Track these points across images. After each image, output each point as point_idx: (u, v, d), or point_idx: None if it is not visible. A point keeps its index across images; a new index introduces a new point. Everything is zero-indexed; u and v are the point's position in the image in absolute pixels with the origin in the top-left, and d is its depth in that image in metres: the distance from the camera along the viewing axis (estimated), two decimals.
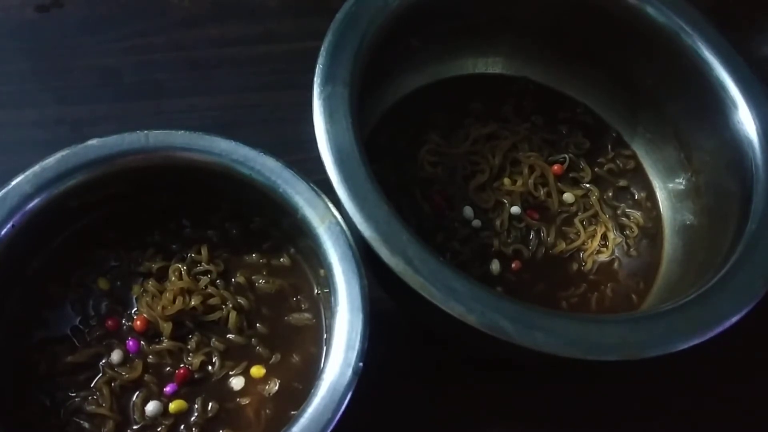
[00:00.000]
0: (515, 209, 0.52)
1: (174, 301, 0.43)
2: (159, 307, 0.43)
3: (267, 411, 0.42)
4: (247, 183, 0.43)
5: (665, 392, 0.51)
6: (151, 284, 0.44)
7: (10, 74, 0.60)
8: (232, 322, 0.43)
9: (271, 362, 0.43)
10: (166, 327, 0.42)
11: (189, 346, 0.43)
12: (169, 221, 0.46)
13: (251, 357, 0.43)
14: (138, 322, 0.43)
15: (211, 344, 0.43)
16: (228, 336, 0.43)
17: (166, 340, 0.42)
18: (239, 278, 0.45)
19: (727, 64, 0.49)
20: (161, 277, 0.45)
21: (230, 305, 0.44)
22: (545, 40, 0.56)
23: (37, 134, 0.57)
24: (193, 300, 0.43)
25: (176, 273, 0.44)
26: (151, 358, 0.42)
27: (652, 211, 0.54)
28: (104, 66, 0.61)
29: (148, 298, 0.43)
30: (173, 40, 0.63)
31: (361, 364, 0.37)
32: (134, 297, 0.44)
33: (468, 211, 0.51)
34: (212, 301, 0.44)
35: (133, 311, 0.44)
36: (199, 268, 0.45)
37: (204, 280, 0.44)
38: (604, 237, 0.53)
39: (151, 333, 0.43)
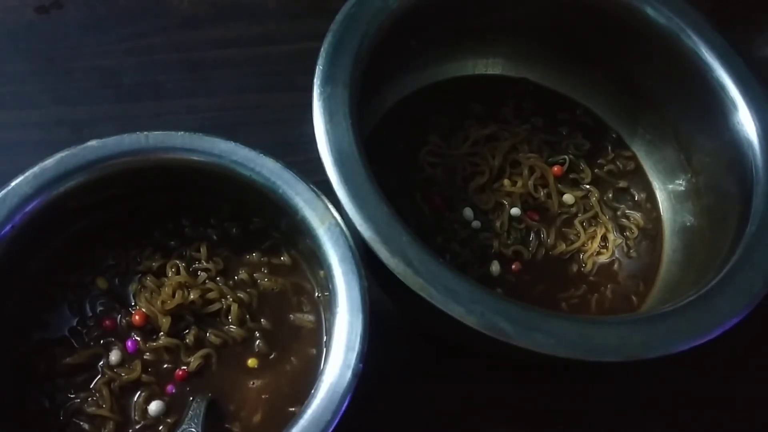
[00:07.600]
0: (515, 210, 0.52)
1: (173, 296, 0.43)
2: (158, 302, 0.43)
3: (267, 411, 0.42)
4: (247, 184, 0.43)
5: (665, 393, 0.51)
6: (149, 280, 0.44)
7: (9, 75, 0.60)
8: (233, 313, 0.43)
9: (270, 358, 0.43)
10: (165, 322, 0.42)
11: (187, 341, 0.43)
12: (168, 222, 0.46)
13: (250, 353, 0.43)
14: (137, 317, 0.43)
15: (207, 337, 0.43)
16: (227, 328, 0.43)
17: (163, 336, 0.42)
18: (242, 275, 0.45)
19: (727, 65, 0.49)
20: (160, 274, 0.45)
21: (230, 299, 0.44)
22: (545, 41, 0.56)
23: (36, 135, 0.57)
24: (192, 294, 0.43)
25: (174, 268, 0.44)
26: (148, 356, 0.42)
27: (652, 213, 0.54)
28: (104, 67, 0.61)
29: (147, 294, 0.43)
30: (173, 42, 0.63)
31: (360, 365, 0.37)
32: (132, 294, 0.44)
33: (468, 212, 0.51)
34: (211, 295, 0.44)
35: (131, 308, 0.43)
36: (198, 265, 0.45)
37: (203, 276, 0.45)
38: (604, 238, 0.53)
39: (148, 329, 0.43)
